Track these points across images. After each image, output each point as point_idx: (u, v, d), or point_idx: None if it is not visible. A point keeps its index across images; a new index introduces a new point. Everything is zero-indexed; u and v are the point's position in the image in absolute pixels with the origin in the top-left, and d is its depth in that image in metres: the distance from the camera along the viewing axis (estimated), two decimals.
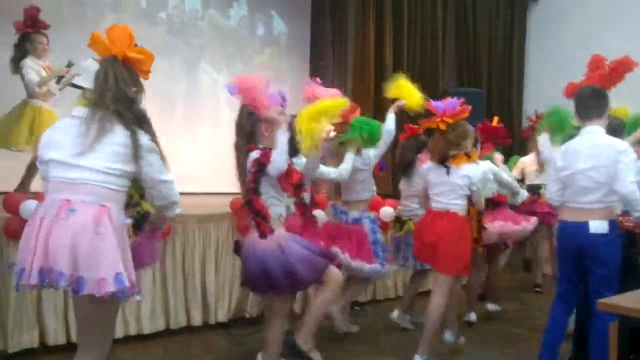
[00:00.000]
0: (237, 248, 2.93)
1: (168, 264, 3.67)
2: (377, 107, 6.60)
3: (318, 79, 6.07)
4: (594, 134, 2.86)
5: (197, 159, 6.62)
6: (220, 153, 6.83)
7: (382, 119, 6.71)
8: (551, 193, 3.04)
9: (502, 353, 3.58)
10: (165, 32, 6.68)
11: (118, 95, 1.99)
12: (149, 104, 2.21)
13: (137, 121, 2.02)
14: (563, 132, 3.54)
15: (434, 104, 3.31)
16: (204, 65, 7.00)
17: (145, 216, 2.13)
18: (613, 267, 2.74)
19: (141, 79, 2.13)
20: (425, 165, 3.42)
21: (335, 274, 2.84)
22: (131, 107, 2.03)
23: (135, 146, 1.96)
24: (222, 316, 3.90)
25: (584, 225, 2.75)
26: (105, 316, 2.01)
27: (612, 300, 1.57)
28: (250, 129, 2.80)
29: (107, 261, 1.83)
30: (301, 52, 8.03)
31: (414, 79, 6.86)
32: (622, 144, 2.79)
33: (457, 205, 3.18)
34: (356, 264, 3.25)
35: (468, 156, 3.23)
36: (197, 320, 3.80)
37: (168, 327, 3.68)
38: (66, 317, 3.25)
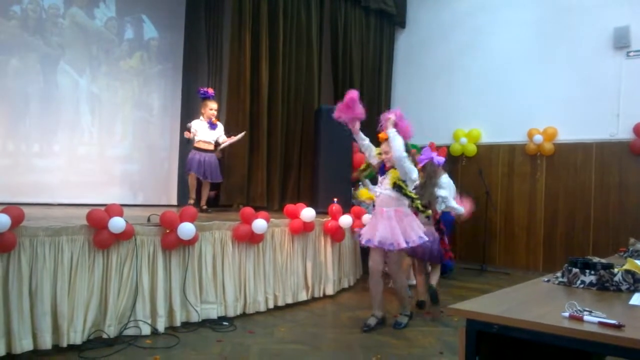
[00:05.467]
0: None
1: (12, 282, 3.31)
2: (252, 120, 6.59)
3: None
4: (448, 177, 6.67)
5: (51, 166, 6.04)
6: (78, 161, 6.40)
7: (257, 131, 6.69)
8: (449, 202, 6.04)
9: None
10: (18, 27, 6.10)
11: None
12: None
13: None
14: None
15: (421, 157, 5.43)
16: (64, 65, 6.47)
17: (419, 209, 4.34)
18: None
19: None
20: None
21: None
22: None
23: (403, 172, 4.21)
24: (75, 338, 3.58)
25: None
26: (399, 257, 4.44)
27: (460, 306, 1.69)
28: None
29: (397, 234, 4.16)
30: (173, 59, 7.78)
31: (289, 97, 7.02)
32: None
33: None
34: None
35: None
36: (46, 343, 3.44)
37: (10, 351, 3.29)
38: None
